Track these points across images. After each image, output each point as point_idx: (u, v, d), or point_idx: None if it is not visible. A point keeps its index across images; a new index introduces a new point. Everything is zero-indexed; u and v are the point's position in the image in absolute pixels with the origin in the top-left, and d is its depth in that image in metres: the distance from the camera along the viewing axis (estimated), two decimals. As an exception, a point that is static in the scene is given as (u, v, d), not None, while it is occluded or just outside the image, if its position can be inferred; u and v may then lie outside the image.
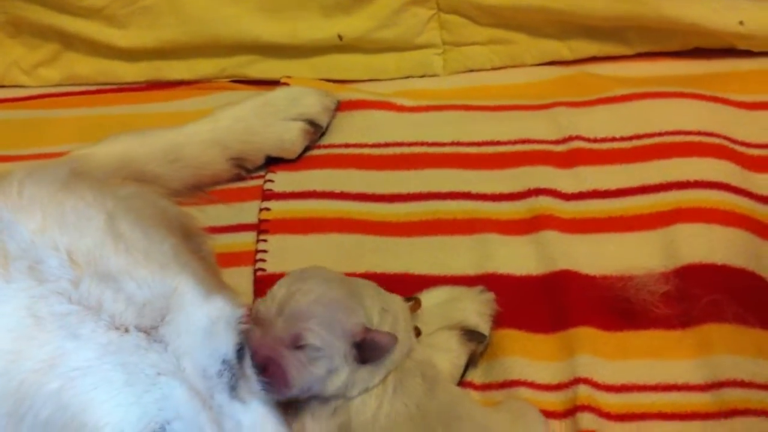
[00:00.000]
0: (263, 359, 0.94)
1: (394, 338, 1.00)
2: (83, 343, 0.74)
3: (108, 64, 1.70)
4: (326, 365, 0.98)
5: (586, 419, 1.07)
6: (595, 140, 1.42)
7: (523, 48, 1.61)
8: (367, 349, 0.99)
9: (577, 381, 1.11)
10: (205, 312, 0.82)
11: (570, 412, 1.09)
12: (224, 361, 0.83)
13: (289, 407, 0.98)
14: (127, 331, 0.76)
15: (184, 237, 0.95)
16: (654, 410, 1.09)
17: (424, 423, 0.97)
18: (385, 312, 1.03)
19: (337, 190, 1.41)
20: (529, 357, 1.15)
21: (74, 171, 0.90)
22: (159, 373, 0.76)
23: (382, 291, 1.07)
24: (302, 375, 0.97)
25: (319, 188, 1.42)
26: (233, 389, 0.85)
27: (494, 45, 1.62)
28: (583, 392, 1.10)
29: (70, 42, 1.69)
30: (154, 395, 0.76)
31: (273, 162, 1.47)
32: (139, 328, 0.77)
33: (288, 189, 1.42)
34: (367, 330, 1.00)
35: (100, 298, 0.76)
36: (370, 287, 1.06)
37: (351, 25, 1.62)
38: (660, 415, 1.09)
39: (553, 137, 1.43)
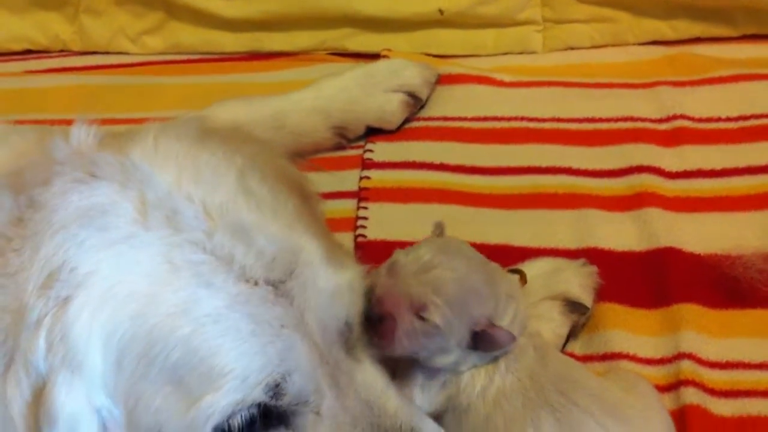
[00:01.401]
0: (383, 312, 0.94)
1: (512, 338, 0.97)
2: (215, 291, 0.78)
3: (211, 34, 1.74)
4: (439, 343, 0.97)
5: (689, 394, 1.07)
6: (700, 120, 1.41)
7: (626, 27, 1.60)
8: (483, 340, 0.97)
9: (681, 356, 1.10)
10: (333, 273, 0.84)
11: (673, 386, 1.09)
12: (347, 323, 0.86)
13: (397, 375, 0.98)
14: (256, 284, 0.79)
15: (302, 198, 0.97)
16: (760, 388, 1.08)
17: (537, 391, 0.96)
18: (509, 299, 1.01)
19: (437, 161, 1.42)
20: (632, 331, 1.15)
21: (203, 128, 0.93)
22: (283, 326, 0.80)
23: (506, 273, 1.06)
24: (411, 343, 0.96)
25: (418, 159, 1.43)
26: (350, 348, 0.87)
27: (596, 23, 1.61)
28: (687, 367, 1.09)
29: (174, 11, 1.74)
30: (277, 347, 0.79)
31: (372, 133, 1.49)
32: (267, 282, 0.80)
33: (387, 159, 1.44)
34: (491, 324, 0.98)
35: (232, 251, 0.79)
36: (500, 271, 1.04)
37: (452, 0, 1.63)
38: (766, 393, 1.07)
39: (656, 116, 1.42)
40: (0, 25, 1.78)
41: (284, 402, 0.80)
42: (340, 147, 1.49)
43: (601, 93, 1.49)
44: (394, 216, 1.35)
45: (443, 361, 0.99)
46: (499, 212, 1.33)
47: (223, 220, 0.80)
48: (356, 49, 1.68)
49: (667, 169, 1.34)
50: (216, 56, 1.74)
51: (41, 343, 0.75)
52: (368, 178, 1.42)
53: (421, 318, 0.95)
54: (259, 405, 0.78)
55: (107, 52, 1.79)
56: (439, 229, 1.09)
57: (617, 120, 1.43)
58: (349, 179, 1.43)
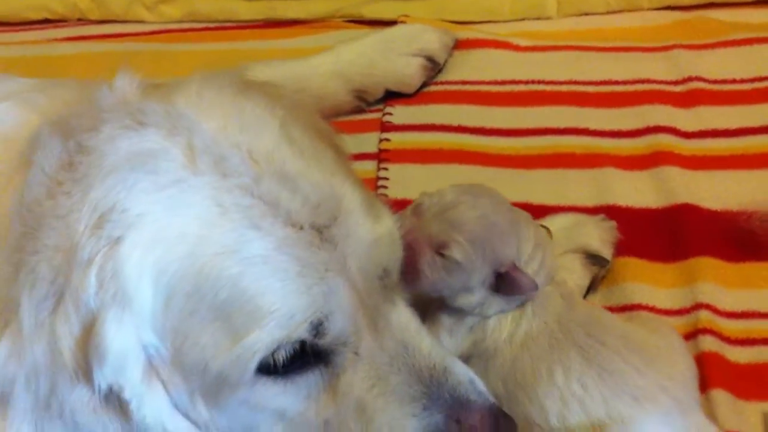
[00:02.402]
0: (405, 246, 0.94)
1: (534, 285, 0.98)
2: (264, 234, 0.80)
3: (226, 3, 1.75)
4: (461, 280, 0.99)
5: (707, 342, 1.10)
6: (715, 81, 1.44)
7: (641, -9, 1.62)
8: (505, 283, 0.99)
9: (699, 306, 1.14)
10: (373, 222, 0.87)
11: (691, 334, 1.12)
12: (385, 269, 0.89)
13: (426, 319, 1.00)
14: (302, 228, 0.82)
15: (336, 152, 0.99)
16: (775, 337, 1.12)
17: (564, 333, 0.99)
18: (537, 247, 1.03)
19: (455, 123, 1.45)
20: (650, 283, 1.18)
21: (243, 80, 0.95)
22: (327, 269, 0.82)
23: (536, 223, 1.08)
24: (433, 277, 0.99)
25: (437, 122, 1.46)
26: (387, 292, 0.90)
27: (611, -12, 1.63)
28: (705, 317, 1.12)
29: (191, -21, 1.75)
30: (321, 288, 0.81)
31: (391, 96, 1.52)
32: (313, 227, 0.82)
33: (407, 122, 1.47)
34: (515, 267, 0.99)
35: (278, 196, 0.81)
36: (529, 219, 1.07)
37: (468, -34, 1.65)
38: (781, 343, 1.11)
39: (672, 78, 1.45)
40: (18, -6, 1.80)
41: (326, 341, 0.82)
42: (359, 110, 1.51)
43: (616, 56, 1.51)
44: (414, 176, 1.38)
45: (466, 300, 1.01)
46: (518, 172, 1.36)
47: (269, 166, 0.82)
48: (372, 17, 1.69)
49: (683, 129, 1.36)
50: (232, 24, 1.76)
51: (92, 280, 0.77)
52: (388, 140, 1.45)
53: (443, 254, 0.98)
54: (303, 342, 0.81)
55: (124, 21, 1.80)
56: None
57: (633, 82, 1.46)
58: (369, 141, 1.46)
